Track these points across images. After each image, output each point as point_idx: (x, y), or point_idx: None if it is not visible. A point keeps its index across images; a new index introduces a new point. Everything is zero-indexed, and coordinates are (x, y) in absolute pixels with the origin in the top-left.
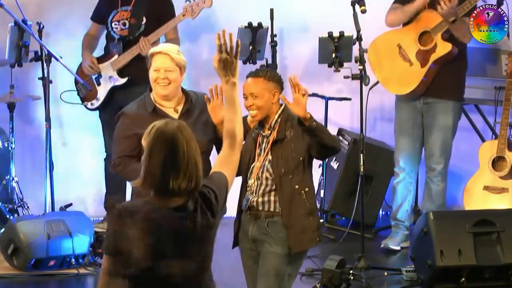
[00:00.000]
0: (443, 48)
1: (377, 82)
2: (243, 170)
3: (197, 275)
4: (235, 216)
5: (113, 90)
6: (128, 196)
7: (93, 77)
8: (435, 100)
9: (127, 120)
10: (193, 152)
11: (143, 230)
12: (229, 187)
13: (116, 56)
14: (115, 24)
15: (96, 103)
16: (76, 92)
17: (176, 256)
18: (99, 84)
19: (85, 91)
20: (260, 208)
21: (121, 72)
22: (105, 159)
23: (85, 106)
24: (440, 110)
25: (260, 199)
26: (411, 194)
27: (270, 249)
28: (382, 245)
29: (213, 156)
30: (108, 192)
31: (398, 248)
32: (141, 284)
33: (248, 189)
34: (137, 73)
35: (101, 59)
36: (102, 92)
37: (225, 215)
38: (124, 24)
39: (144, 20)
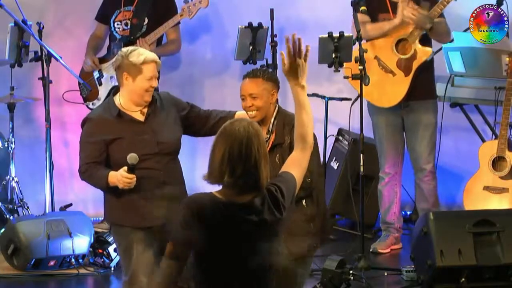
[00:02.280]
0: (424, 53)
1: (357, 97)
2: None
3: (263, 270)
4: None
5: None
6: None
7: (95, 77)
8: (414, 102)
9: (91, 125)
10: (252, 150)
11: (208, 223)
12: (297, 187)
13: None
14: (117, 24)
15: (98, 103)
16: (79, 92)
17: (239, 251)
18: (100, 84)
19: (87, 91)
20: None
21: None
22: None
23: (87, 106)
24: (422, 110)
25: None
26: (397, 196)
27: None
28: (370, 249)
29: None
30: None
31: (387, 251)
32: (206, 275)
33: None
34: None
35: (103, 59)
36: (103, 92)
37: None
38: (126, 24)
39: (146, 20)
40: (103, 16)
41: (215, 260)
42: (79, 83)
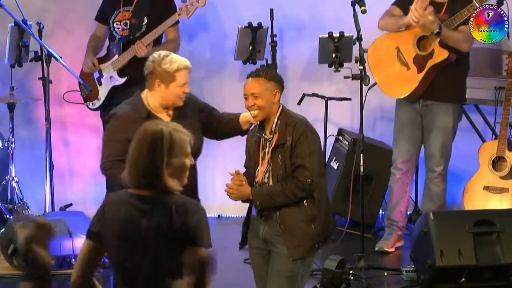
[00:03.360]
0: (440, 55)
1: (375, 83)
2: (251, 174)
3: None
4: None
5: (114, 90)
6: None
7: (95, 77)
8: (434, 103)
9: (118, 122)
10: (157, 153)
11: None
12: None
13: (116, 56)
14: (117, 25)
15: (98, 103)
16: (80, 92)
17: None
18: (100, 84)
19: (87, 91)
20: (277, 212)
21: (121, 72)
22: None
23: (87, 106)
24: (440, 112)
25: None
26: (406, 195)
27: (284, 251)
28: (376, 248)
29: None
30: (108, 192)
31: (392, 250)
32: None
33: None
34: (137, 73)
35: (103, 59)
36: (103, 92)
37: (230, 215)
38: (126, 24)
39: (146, 20)
40: (103, 17)
41: (115, 243)
42: (79, 83)
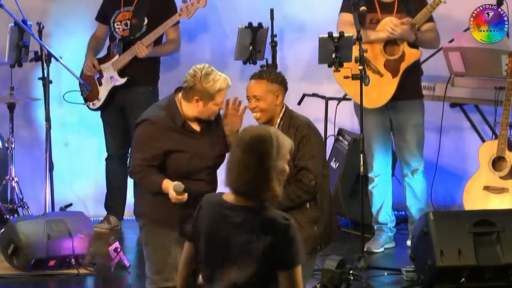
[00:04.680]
0: (412, 55)
1: (345, 95)
2: None
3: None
4: None
5: (114, 90)
6: (128, 197)
7: (96, 77)
8: (402, 102)
9: (153, 128)
10: (252, 156)
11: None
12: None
13: (117, 57)
14: (117, 25)
15: (98, 103)
16: (80, 92)
17: (219, 247)
18: (100, 84)
19: (87, 91)
20: None
21: (122, 72)
22: (106, 159)
23: (88, 106)
24: (409, 110)
25: None
26: (388, 196)
27: None
28: (365, 249)
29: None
30: (108, 192)
31: (381, 250)
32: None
33: None
34: (137, 73)
35: (103, 60)
36: (103, 92)
37: None
38: (126, 25)
39: (146, 20)
40: (103, 17)
41: (203, 251)
42: (79, 83)
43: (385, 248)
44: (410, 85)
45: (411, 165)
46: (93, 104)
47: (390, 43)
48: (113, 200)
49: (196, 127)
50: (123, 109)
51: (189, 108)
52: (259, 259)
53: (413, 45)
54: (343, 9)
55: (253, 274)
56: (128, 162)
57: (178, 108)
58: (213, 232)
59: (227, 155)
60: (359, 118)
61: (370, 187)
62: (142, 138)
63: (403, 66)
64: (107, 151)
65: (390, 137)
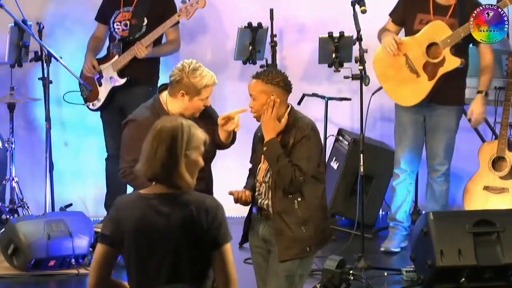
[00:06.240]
0: (452, 63)
1: (380, 88)
2: (254, 171)
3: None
4: (246, 214)
5: (114, 91)
6: None
7: (95, 77)
8: (439, 105)
9: (138, 127)
10: (172, 149)
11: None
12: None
13: (116, 57)
14: (117, 25)
15: (98, 104)
16: (80, 92)
17: (149, 240)
18: (100, 84)
19: (87, 91)
20: (271, 210)
21: (121, 73)
22: (106, 159)
23: (87, 106)
24: (444, 114)
25: (268, 202)
26: (410, 195)
27: None
28: (382, 249)
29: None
30: (108, 192)
31: (398, 249)
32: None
33: (257, 190)
34: (137, 73)
35: (103, 60)
36: (103, 92)
37: (230, 216)
38: (126, 25)
39: (146, 21)
40: (103, 17)
41: (131, 246)
42: (79, 83)
43: (401, 247)
44: (449, 90)
45: (435, 167)
46: (93, 104)
47: (434, 44)
48: (113, 200)
49: None
50: (122, 110)
51: (174, 104)
52: (194, 242)
53: (457, 52)
54: (392, 14)
55: (190, 258)
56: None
57: (163, 106)
58: (145, 225)
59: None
60: (396, 111)
61: (394, 183)
62: (127, 139)
63: (441, 71)
64: (107, 151)
65: (423, 136)
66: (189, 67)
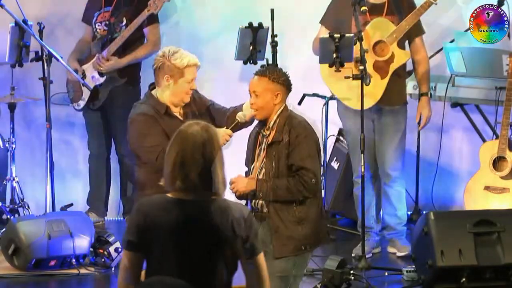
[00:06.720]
0: (402, 58)
1: (332, 96)
2: (248, 169)
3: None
4: None
5: (96, 90)
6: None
7: (78, 78)
8: (385, 107)
9: (146, 118)
10: (205, 155)
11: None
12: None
13: (96, 56)
14: (98, 25)
15: (82, 103)
16: (67, 93)
17: (180, 245)
18: (84, 84)
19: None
20: (265, 210)
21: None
22: (89, 158)
23: (73, 107)
24: (391, 115)
25: (262, 202)
26: (374, 199)
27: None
28: (353, 254)
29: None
30: (91, 189)
31: (369, 255)
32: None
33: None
34: (118, 73)
35: (85, 60)
36: (86, 92)
37: None
38: (106, 25)
39: (125, 20)
40: (88, 18)
41: (159, 254)
42: (66, 84)
43: (372, 253)
44: (395, 90)
45: (388, 172)
46: (77, 105)
47: (379, 42)
48: (94, 197)
49: (178, 115)
50: (103, 108)
51: (164, 93)
52: (230, 249)
53: (403, 46)
54: (323, 22)
55: (223, 264)
56: (118, 161)
57: (157, 99)
58: (181, 231)
59: None
60: (342, 119)
61: (355, 190)
62: (141, 130)
63: (392, 67)
64: (88, 149)
65: (372, 139)
66: (168, 51)
